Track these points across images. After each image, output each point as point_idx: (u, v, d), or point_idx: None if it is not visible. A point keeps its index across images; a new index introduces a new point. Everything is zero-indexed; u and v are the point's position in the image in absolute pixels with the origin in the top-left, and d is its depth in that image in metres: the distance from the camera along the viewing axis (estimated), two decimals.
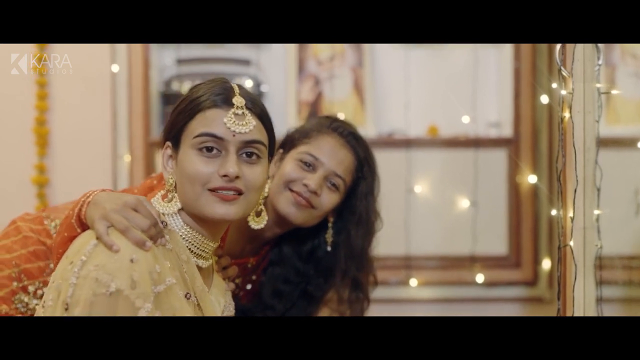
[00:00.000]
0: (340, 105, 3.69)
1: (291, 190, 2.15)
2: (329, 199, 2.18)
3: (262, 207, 2.01)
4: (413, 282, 3.59)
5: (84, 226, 1.66)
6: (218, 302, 1.84)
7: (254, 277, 2.28)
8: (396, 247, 3.59)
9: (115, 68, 3.45)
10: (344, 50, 3.75)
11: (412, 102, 3.63)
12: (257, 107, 1.75)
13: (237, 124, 1.69)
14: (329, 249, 2.27)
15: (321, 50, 3.74)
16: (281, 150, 2.25)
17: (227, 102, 1.71)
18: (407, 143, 3.63)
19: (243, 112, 1.71)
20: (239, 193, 1.70)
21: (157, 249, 1.64)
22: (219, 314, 1.82)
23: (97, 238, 1.60)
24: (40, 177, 3.41)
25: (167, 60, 3.72)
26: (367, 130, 3.66)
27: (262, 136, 1.74)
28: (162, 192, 1.77)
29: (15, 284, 2.00)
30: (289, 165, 2.18)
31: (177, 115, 1.75)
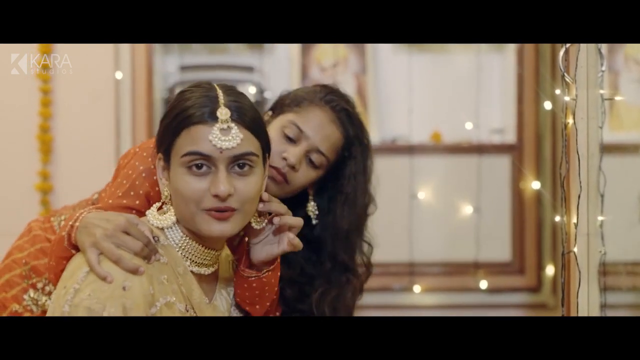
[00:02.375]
0: None
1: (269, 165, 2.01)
2: (305, 175, 2.06)
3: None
4: (416, 288, 3.58)
5: (78, 248, 1.65)
6: (226, 302, 1.83)
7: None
8: (399, 253, 3.58)
9: (118, 75, 3.45)
10: (347, 57, 3.75)
11: (415, 108, 3.63)
12: (244, 115, 1.66)
13: (223, 139, 1.62)
14: (314, 222, 2.14)
15: (324, 57, 3.74)
16: (270, 113, 2.14)
17: (212, 116, 1.63)
18: (410, 149, 3.63)
19: (228, 126, 1.62)
20: (233, 210, 1.65)
21: (153, 265, 1.63)
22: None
23: (90, 268, 1.59)
24: (44, 184, 3.41)
25: (171, 67, 3.72)
26: (371, 137, 3.66)
27: (253, 146, 1.67)
28: (158, 204, 1.74)
29: (25, 281, 2.04)
30: (272, 137, 2.01)
31: (164, 131, 1.69)
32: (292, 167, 2.03)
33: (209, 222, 1.65)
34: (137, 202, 1.86)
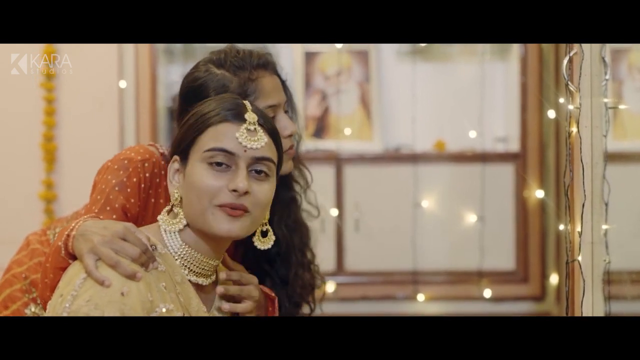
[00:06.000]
0: (347, 119, 3.70)
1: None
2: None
3: (269, 226, 1.82)
4: (420, 297, 3.58)
5: (75, 257, 1.65)
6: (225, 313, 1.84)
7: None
8: (403, 262, 3.58)
9: (122, 84, 3.46)
10: (351, 65, 3.75)
11: (419, 117, 3.63)
12: (268, 124, 1.74)
13: (249, 139, 1.68)
14: None
15: (328, 65, 3.75)
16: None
17: (239, 118, 1.69)
18: (414, 158, 3.64)
19: (255, 128, 1.69)
20: (245, 210, 1.68)
21: (150, 273, 1.63)
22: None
23: (87, 273, 1.59)
24: (48, 192, 3.42)
25: (175, 76, 3.73)
26: (374, 145, 3.67)
27: (272, 154, 1.72)
28: (168, 207, 1.75)
29: (26, 296, 2.04)
30: None
31: (187, 130, 1.73)
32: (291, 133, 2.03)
33: (219, 220, 1.67)
34: (114, 216, 1.84)
